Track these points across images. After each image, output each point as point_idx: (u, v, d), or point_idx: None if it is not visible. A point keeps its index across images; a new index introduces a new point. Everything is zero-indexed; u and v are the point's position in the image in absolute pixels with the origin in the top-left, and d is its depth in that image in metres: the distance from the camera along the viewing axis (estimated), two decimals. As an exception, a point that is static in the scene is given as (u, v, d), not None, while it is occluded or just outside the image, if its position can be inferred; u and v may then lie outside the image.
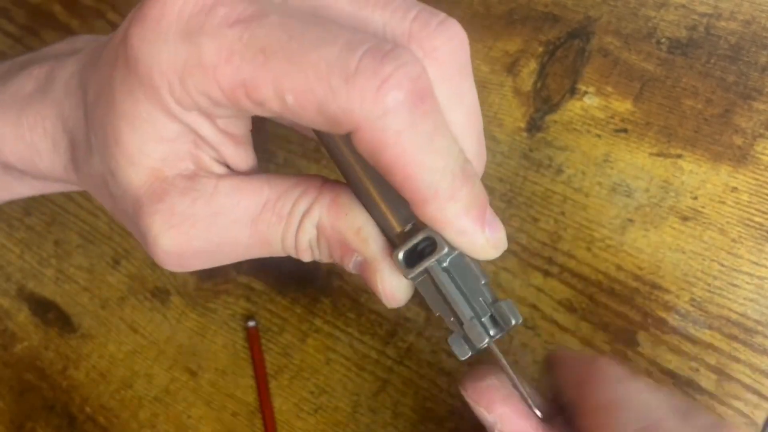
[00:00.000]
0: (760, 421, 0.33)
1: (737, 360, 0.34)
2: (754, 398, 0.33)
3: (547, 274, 0.37)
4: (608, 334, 0.35)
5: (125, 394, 0.42)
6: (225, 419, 0.40)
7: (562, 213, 0.37)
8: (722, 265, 0.35)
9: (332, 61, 0.22)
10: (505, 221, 0.32)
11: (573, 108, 0.38)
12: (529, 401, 0.27)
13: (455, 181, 0.23)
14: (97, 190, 0.30)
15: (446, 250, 0.25)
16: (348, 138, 0.23)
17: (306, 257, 0.28)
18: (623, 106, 0.38)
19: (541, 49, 0.40)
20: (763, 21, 0.37)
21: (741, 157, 0.36)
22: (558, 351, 0.28)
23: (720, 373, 0.34)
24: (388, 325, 0.39)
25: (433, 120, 0.23)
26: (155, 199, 0.26)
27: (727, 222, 0.35)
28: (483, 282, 0.26)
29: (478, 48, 0.41)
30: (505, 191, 0.38)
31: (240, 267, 0.42)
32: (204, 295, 0.42)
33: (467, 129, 0.25)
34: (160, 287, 0.43)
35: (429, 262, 0.25)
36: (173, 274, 0.43)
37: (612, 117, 0.38)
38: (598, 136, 0.38)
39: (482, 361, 0.36)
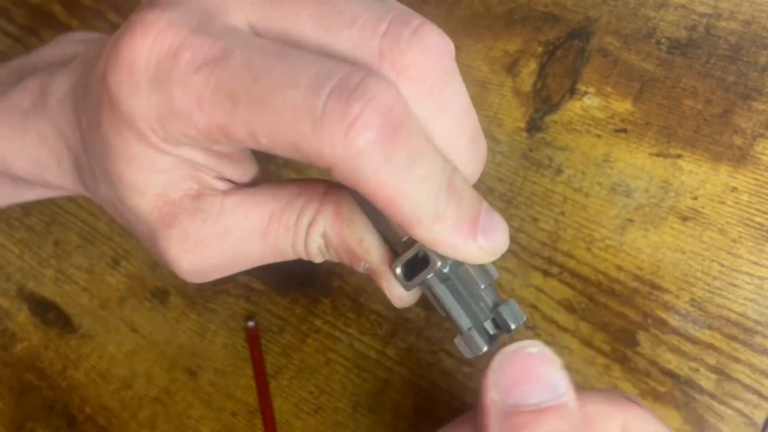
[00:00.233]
0: (760, 421, 0.33)
1: (737, 360, 0.34)
2: (754, 398, 0.33)
3: (546, 274, 0.37)
4: (608, 334, 0.35)
5: (125, 394, 0.42)
6: (225, 419, 0.40)
7: (562, 213, 0.37)
8: (722, 265, 0.35)
9: (298, 105, 0.21)
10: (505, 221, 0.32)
11: (573, 108, 0.38)
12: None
13: (439, 203, 0.23)
14: (110, 209, 0.30)
15: (439, 264, 0.25)
16: None
17: (318, 260, 0.28)
18: (623, 106, 0.38)
19: (540, 49, 0.40)
20: (763, 21, 0.37)
21: (741, 157, 0.36)
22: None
23: (720, 373, 0.34)
24: (388, 325, 0.39)
25: (409, 147, 0.22)
26: (166, 224, 0.27)
27: (727, 222, 0.35)
28: (483, 286, 0.26)
29: (478, 48, 0.41)
30: (505, 191, 0.38)
31: (240, 267, 0.42)
32: (204, 295, 0.42)
33: (456, 134, 0.24)
34: (159, 287, 0.43)
35: (425, 276, 0.26)
36: (173, 274, 0.42)
37: (612, 117, 0.38)
38: (598, 136, 0.38)
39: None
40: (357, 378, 0.39)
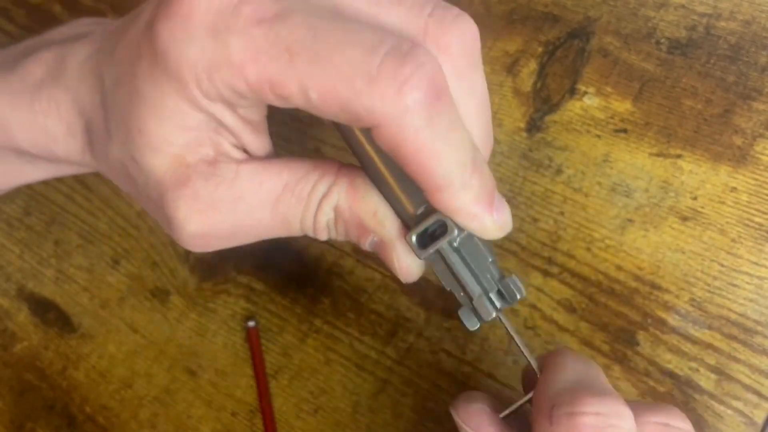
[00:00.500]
0: (760, 421, 0.33)
1: (737, 360, 0.34)
2: (754, 398, 0.33)
3: (546, 274, 0.37)
4: (608, 334, 0.35)
5: (125, 394, 0.42)
6: (225, 419, 0.40)
7: (562, 213, 0.37)
8: (722, 265, 0.35)
9: (355, 63, 0.23)
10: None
11: (573, 108, 0.38)
12: (534, 364, 0.28)
13: (467, 172, 0.25)
14: (116, 175, 0.30)
15: (456, 232, 0.27)
16: (367, 130, 0.24)
17: (322, 236, 0.29)
18: (623, 106, 0.38)
19: (540, 49, 0.40)
20: (763, 21, 0.37)
21: (741, 158, 0.36)
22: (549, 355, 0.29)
23: (720, 373, 0.34)
24: (388, 325, 0.39)
25: (448, 116, 0.24)
26: (179, 184, 0.27)
27: (727, 222, 0.35)
28: (490, 260, 0.28)
29: (478, 48, 0.41)
30: (505, 191, 0.38)
31: (240, 267, 0.42)
32: (204, 295, 0.42)
33: (478, 119, 0.27)
34: (159, 287, 0.43)
35: (440, 244, 0.27)
36: (173, 274, 0.43)
37: (612, 117, 0.38)
38: (598, 136, 0.38)
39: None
40: (357, 378, 0.39)
